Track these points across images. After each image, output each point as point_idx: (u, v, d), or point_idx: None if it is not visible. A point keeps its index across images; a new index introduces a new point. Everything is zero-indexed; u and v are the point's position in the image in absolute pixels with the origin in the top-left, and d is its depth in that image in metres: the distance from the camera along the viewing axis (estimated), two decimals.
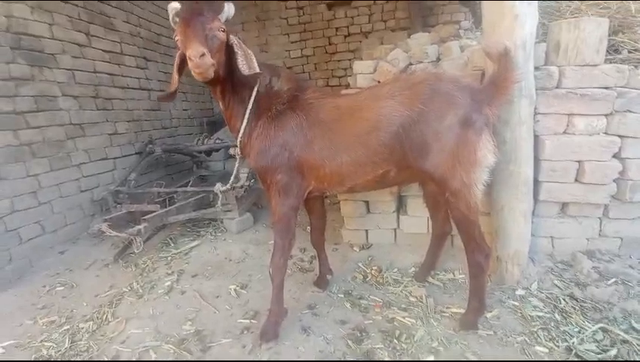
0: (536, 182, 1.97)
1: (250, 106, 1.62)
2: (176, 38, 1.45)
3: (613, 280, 1.88)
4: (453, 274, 2.14)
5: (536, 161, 1.93)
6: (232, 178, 1.98)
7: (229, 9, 1.49)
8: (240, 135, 1.66)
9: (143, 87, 4.08)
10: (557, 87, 1.91)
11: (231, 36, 1.50)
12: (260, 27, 5.41)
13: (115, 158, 3.60)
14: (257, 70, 1.50)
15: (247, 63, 1.49)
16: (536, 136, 1.91)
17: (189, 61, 1.33)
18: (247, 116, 1.62)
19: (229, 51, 1.50)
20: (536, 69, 1.85)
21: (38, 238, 2.82)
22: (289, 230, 1.68)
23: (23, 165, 2.72)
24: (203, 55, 1.31)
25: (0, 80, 2.58)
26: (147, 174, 3.88)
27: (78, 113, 3.21)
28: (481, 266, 1.62)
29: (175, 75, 1.59)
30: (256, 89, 1.62)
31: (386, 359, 1.54)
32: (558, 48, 1.91)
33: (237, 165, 1.86)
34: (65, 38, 3.11)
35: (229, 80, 1.57)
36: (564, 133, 1.96)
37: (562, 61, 1.91)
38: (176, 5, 1.45)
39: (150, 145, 3.78)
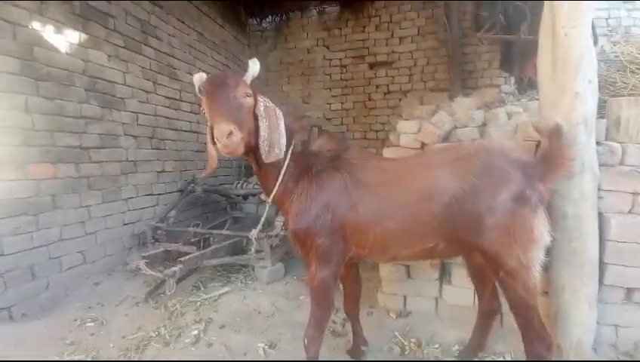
0: (601, 264, 1.80)
1: (285, 167, 1.54)
2: (203, 111, 1.39)
3: None
4: (504, 357, 1.91)
5: (601, 240, 1.77)
6: (261, 222, 1.90)
7: (253, 66, 1.42)
8: (272, 196, 1.57)
9: (194, 130, 4.38)
10: (620, 164, 1.82)
11: (258, 98, 1.43)
12: (304, 81, 5.78)
13: (159, 195, 3.77)
14: (280, 151, 1.41)
15: (268, 140, 1.39)
16: (600, 214, 1.78)
17: (217, 141, 1.27)
18: (281, 177, 1.54)
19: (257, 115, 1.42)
20: (598, 144, 1.78)
21: (78, 267, 2.91)
22: (327, 299, 1.57)
23: (78, 196, 2.90)
24: (230, 134, 1.24)
25: (72, 117, 2.85)
26: (186, 212, 4.00)
27: (135, 151, 3.47)
28: (543, 358, 1.44)
29: (212, 151, 1.47)
30: (291, 150, 1.55)
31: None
32: (619, 125, 1.85)
33: (266, 209, 1.79)
34: (135, 85, 3.48)
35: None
36: (630, 212, 1.82)
37: (624, 138, 1.85)
38: (202, 76, 1.42)
39: (192, 185, 3.93)
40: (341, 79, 5.60)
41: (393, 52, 5.32)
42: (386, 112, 5.37)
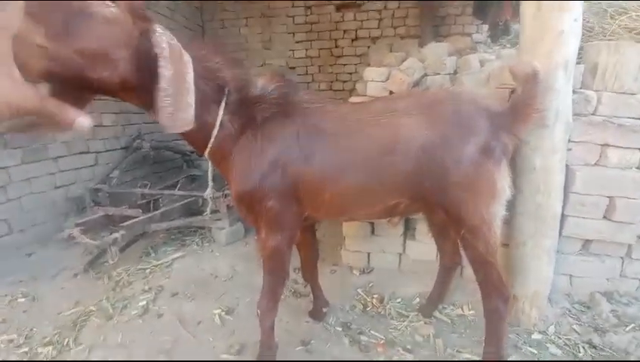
0: (562, 216, 1.79)
1: (218, 120, 1.20)
2: None
3: (632, 326, 1.74)
4: (462, 309, 1.94)
5: (565, 193, 1.74)
6: (210, 180, 1.62)
7: None
8: (206, 154, 1.28)
9: None
10: (593, 114, 1.74)
11: (157, 29, 0.91)
12: (264, 23, 5.16)
13: (97, 153, 3.31)
14: (187, 116, 0.97)
15: (173, 100, 0.92)
16: (566, 166, 1.72)
17: None
18: (214, 134, 1.21)
19: (146, 47, 0.91)
20: (573, 92, 1.66)
21: (4, 238, 2.55)
22: (282, 268, 1.39)
23: None
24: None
25: None
26: (132, 171, 3.60)
27: None
28: (500, 312, 1.41)
29: None
30: (224, 102, 1.20)
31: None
32: (596, 71, 1.74)
33: (209, 170, 1.54)
34: None
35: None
36: (596, 164, 1.79)
37: (599, 85, 1.74)
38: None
39: (138, 141, 3.50)
40: (305, 22, 5.07)
41: None
42: (353, 61, 5.02)
